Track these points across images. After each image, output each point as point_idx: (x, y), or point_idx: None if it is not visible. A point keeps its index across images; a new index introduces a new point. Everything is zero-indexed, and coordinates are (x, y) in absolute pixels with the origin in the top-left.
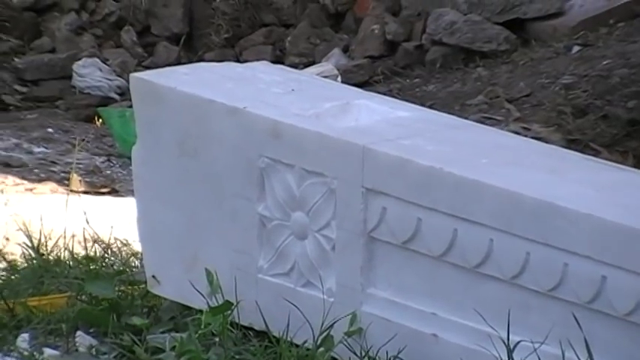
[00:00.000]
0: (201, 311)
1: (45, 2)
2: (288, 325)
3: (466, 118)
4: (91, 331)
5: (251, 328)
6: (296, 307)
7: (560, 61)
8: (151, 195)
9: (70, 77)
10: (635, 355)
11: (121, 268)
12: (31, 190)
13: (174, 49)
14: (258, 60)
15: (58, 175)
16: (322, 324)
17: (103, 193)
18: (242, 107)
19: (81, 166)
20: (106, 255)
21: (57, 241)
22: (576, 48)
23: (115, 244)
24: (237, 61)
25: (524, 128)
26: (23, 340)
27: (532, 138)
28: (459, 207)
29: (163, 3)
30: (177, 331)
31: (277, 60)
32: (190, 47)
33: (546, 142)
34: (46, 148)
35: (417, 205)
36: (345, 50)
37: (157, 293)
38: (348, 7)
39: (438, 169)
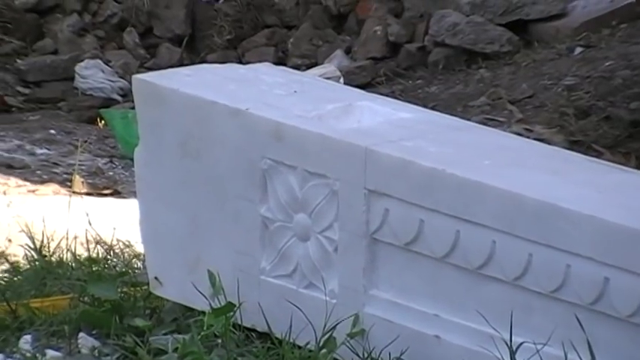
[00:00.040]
0: (203, 313)
1: (47, 4)
2: (290, 326)
3: (468, 119)
4: (94, 332)
5: (253, 330)
6: (298, 308)
7: (562, 63)
8: (154, 196)
9: (72, 79)
10: (637, 356)
11: (124, 270)
12: (33, 191)
13: (176, 50)
14: (260, 61)
15: (60, 176)
16: (325, 325)
17: (106, 195)
18: (244, 109)
19: (83, 167)
20: (109, 256)
21: (59, 243)
22: (579, 49)
23: (118, 246)
24: (240, 62)
25: (527, 130)
26: (26, 341)
27: (534, 139)
28: (462, 208)
29: (166, 4)
30: (179, 333)
31: (280, 61)
32: (193, 49)
33: (549, 143)
34: (48, 149)
35: (419, 206)
36: (348, 52)
37: (160, 295)
38: (350, 9)
39: (440, 171)
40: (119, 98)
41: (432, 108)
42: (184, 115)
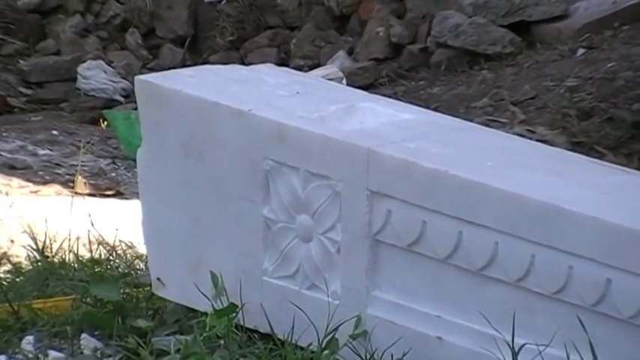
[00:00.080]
0: (206, 314)
1: (50, 4)
2: (293, 327)
3: (471, 120)
4: (96, 333)
5: (256, 331)
6: (301, 309)
7: (565, 64)
8: (156, 197)
9: (74, 79)
10: (639, 357)
11: (126, 271)
12: (35, 192)
13: (179, 51)
14: (262, 62)
15: (62, 177)
16: (327, 327)
17: (108, 196)
18: (247, 110)
19: (86, 168)
20: (111, 257)
21: (62, 244)
22: (581, 51)
23: (120, 247)
24: (242, 63)
25: (529, 131)
26: (28, 342)
27: (537, 140)
28: (464, 210)
29: (168, 5)
30: (182, 334)
31: (282, 62)
32: (195, 50)
33: (551, 144)
34: (50, 150)
35: (421, 207)
36: (350, 53)
37: (162, 296)
38: (352, 10)
39: (442, 172)
40: (121, 99)
41: (435, 109)
42: (187, 116)
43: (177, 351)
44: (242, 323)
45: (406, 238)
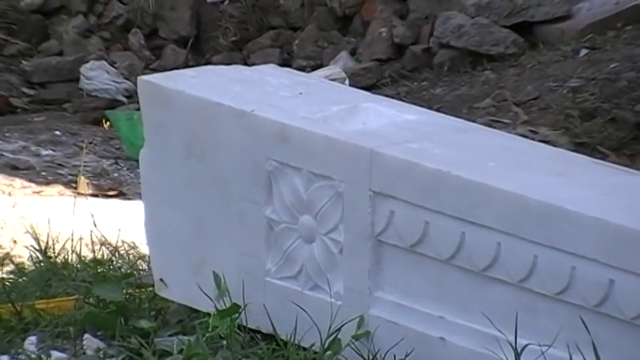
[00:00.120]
0: (208, 314)
1: (53, 5)
2: (295, 328)
3: (473, 121)
4: (99, 334)
5: (258, 331)
6: (303, 310)
7: (567, 65)
8: (159, 198)
9: (77, 80)
10: None
11: (129, 271)
12: (38, 192)
13: (181, 52)
14: (265, 63)
15: (65, 177)
16: (330, 327)
17: (111, 196)
18: (250, 110)
19: (88, 168)
20: (114, 258)
21: (64, 244)
22: (584, 51)
23: (123, 247)
24: (245, 64)
25: (532, 131)
26: (31, 342)
27: (539, 141)
28: (467, 210)
29: (171, 6)
30: (184, 334)
31: (285, 63)
32: (198, 50)
33: (554, 145)
34: (53, 150)
35: (424, 208)
36: (353, 53)
37: (165, 296)
38: (355, 11)
39: (445, 173)
40: (124, 99)
41: (437, 110)
42: (189, 117)
43: (180, 351)
44: (245, 324)
45: (409, 239)
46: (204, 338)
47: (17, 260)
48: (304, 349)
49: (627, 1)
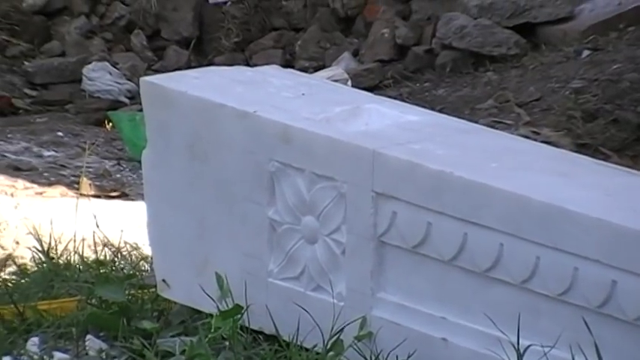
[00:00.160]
0: (211, 315)
1: (55, 6)
2: (298, 329)
3: (476, 122)
4: (101, 334)
5: (261, 332)
6: (306, 311)
7: (570, 66)
8: (161, 199)
9: (79, 81)
10: None
11: (131, 272)
12: (40, 193)
13: (184, 52)
14: (268, 64)
15: (67, 178)
16: (332, 328)
17: (113, 197)
18: (252, 111)
19: (91, 169)
20: (116, 259)
21: (67, 245)
22: (586, 52)
23: (125, 248)
24: (247, 65)
25: (534, 132)
26: (33, 343)
27: (542, 142)
28: (469, 211)
29: (173, 7)
30: (187, 335)
31: (287, 64)
32: (200, 51)
33: (556, 146)
34: (55, 151)
35: (427, 209)
36: (355, 54)
37: (167, 297)
38: (358, 11)
39: (448, 174)
40: (126, 100)
41: (440, 111)
42: (192, 118)
43: (183, 352)
44: (247, 325)
45: (411, 240)
46: (207, 339)
47: (20, 261)
48: (307, 350)
49: (630, 2)
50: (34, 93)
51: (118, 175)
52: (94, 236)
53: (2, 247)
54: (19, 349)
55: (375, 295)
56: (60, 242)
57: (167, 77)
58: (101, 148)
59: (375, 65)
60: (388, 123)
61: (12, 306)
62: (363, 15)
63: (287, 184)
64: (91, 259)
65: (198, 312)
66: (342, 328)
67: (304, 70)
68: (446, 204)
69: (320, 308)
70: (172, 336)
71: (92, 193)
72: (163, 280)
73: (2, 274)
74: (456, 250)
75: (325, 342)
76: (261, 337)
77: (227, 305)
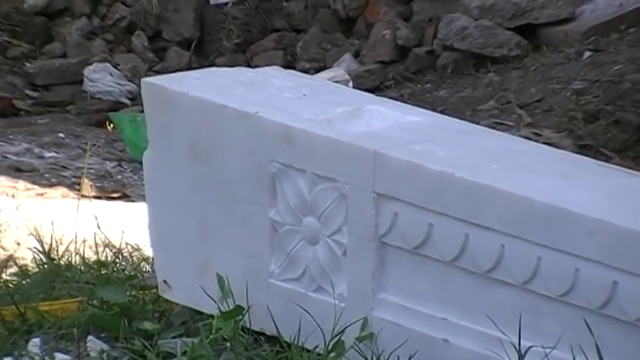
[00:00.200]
0: (212, 316)
1: (56, 7)
2: (299, 330)
3: (477, 123)
4: (103, 335)
5: (262, 333)
6: (307, 312)
7: (571, 67)
8: (162, 200)
9: (81, 82)
10: None
11: (132, 273)
12: (42, 194)
13: (185, 54)
14: (269, 65)
15: (69, 179)
16: (333, 329)
17: (114, 198)
18: (253, 112)
19: (92, 171)
20: (117, 260)
21: (68, 246)
22: (587, 53)
23: (126, 249)
24: (249, 66)
25: (536, 134)
26: (34, 344)
27: (543, 143)
28: (470, 212)
29: (174, 8)
30: (188, 336)
31: (288, 65)
32: (201, 52)
33: (557, 147)
34: (57, 152)
35: (428, 210)
36: (356, 55)
37: (169, 298)
38: (359, 13)
39: (449, 174)
40: (128, 102)
41: (441, 112)
42: (193, 119)
43: (184, 353)
44: (248, 326)
45: (412, 241)
46: (208, 340)
47: (21, 262)
48: (308, 351)
49: (631, 4)
50: (35, 94)
51: (119, 176)
52: (95, 237)
53: (3, 248)
54: (21, 350)
55: (377, 295)
56: (61, 243)
57: (168, 78)
58: (102, 149)
59: (376, 66)
60: (389, 124)
61: (13, 307)
62: (364, 16)
63: (288, 185)
64: (92, 260)
65: (200, 313)
66: (344, 329)
67: (305, 71)
68: (447, 205)
69: (321, 309)
70: (174, 337)
71: (93, 194)
72: (164, 281)
73: (3, 275)
74: (458, 251)
75: (326, 343)
76: (262, 338)
77: (228, 306)
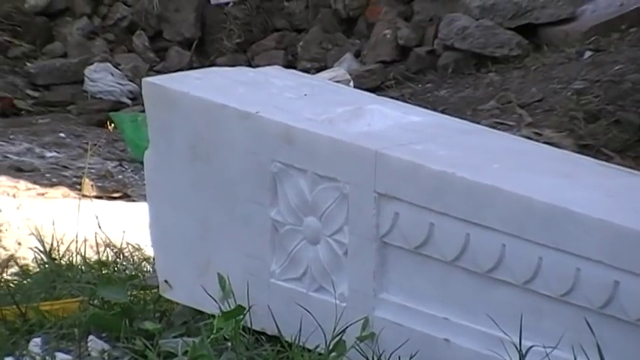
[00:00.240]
0: (213, 316)
1: (57, 7)
2: (300, 329)
3: (478, 123)
4: (104, 335)
5: (263, 333)
6: (308, 312)
7: (572, 67)
8: (163, 200)
9: (82, 82)
10: None
11: (133, 273)
12: (42, 194)
13: (186, 53)
14: (270, 65)
15: (69, 179)
16: (334, 329)
17: (115, 198)
18: (254, 112)
19: (93, 170)
20: (118, 260)
21: (69, 246)
22: (588, 53)
23: (127, 249)
24: (249, 65)
25: (536, 133)
26: (35, 344)
27: (544, 143)
28: (471, 212)
29: (175, 8)
30: (189, 336)
31: (289, 65)
32: (202, 52)
33: (558, 147)
34: (57, 152)
35: (429, 210)
36: (357, 55)
37: (170, 298)
38: (360, 12)
39: (450, 174)
40: (128, 101)
41: (442, 111)
42: (194, 119)
43: (185, 353)
44: (249, 325)
45: (413, 241)
46: (209, 340)
47: (22, 262)
48: (309, 350)
49: (632, 3)
50: (36, 94)
51: (120, 176)
52: (96, 237)
53: (4, 248)
54: (22, 350)
55: (378, 295)
56: (62, 243)
57: (169, 78)
58: (103, 149)
59: (377, 66)
60: (390, 124)
61: (14, 307)
62: (365, 16)
63: (289, 185)
64: (93, 260)
65: (201, 313)
66: (345, 329)
67: (306, 71)
68: (448, 205)
69: (322, 309)
70: (175, 337)
71: (94, 194)
72: (165, 281)
73: (4, 274)
74: (459, 250)
75: (328, 343)
76: (263, 337)
77: (229, 306)
